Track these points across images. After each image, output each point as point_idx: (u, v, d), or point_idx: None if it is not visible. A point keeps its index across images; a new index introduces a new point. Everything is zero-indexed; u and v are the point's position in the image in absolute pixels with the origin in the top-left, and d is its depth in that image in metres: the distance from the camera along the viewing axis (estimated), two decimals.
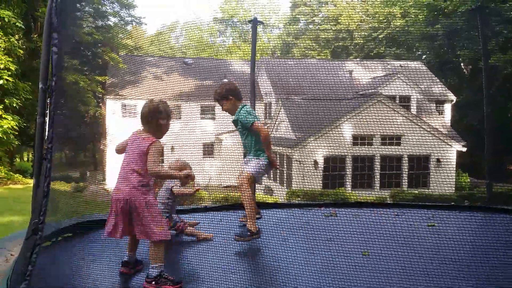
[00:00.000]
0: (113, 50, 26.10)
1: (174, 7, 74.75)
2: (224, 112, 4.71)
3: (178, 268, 3.63)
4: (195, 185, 4.39)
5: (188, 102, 25.40)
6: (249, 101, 6.43)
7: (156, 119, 3.39)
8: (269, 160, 4.14)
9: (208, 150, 26.21)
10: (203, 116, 26.20)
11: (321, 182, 19.65)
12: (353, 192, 18.08)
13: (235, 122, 4.37)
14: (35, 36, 24.18)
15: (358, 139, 20.26)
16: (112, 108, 25.32)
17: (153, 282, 3.10)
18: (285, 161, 20.93)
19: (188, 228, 4.39)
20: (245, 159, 4.30)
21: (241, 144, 4.46)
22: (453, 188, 19.04)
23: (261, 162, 4.17)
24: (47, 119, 3.30)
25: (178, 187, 4.31)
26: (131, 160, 3.32)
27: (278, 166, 4.27)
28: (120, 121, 24.65)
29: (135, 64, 25.95)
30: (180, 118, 25.93)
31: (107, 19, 31.00)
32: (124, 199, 3.20)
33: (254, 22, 6.19)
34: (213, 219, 5.08)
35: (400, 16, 35.00)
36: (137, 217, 3.17)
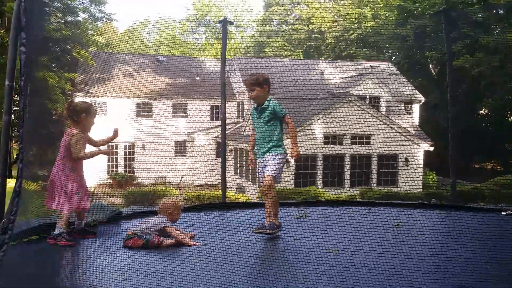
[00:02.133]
0: (82, 46, 25.60)
1: (146, 3, 73.88)
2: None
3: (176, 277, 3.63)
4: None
5: (160, 100, 25.19)
6: (220, 100, 6.45)
7: (75, 116, 4.35)
8: (295, 151, 4.20)
9: (180, 148, 26.05)
10: (175, 114, 26.02)
11: (292, 180, 19.81)
12: (324, 190, 18.29)
13: (262, 109, 4.37)
14: (2, 31, 23.51)
15: (329, 138, 20.51)
16: None
17: (54, 239, 4.05)
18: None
19: (165, 241, 4.26)
20: (262, 158, 4.33)
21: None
22: (420, 186, 19.48)
23: (277, 159, 4.24)
24: (13, 116, 3.25)
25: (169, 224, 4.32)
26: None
27: (299, 156, 4.28)
28: None
29: (105, 61, 25.53)
30: (151, 116, 25.72)
31: (76, 15, 30.36)
32: (50, 179, 4.28)
33: (224, 23, 6.20)
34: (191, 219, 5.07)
35: (371, 17, 35.58)
36: (57, 193, 4.20)
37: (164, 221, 4.32)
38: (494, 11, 28.42)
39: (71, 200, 4.17)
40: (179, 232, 4.29)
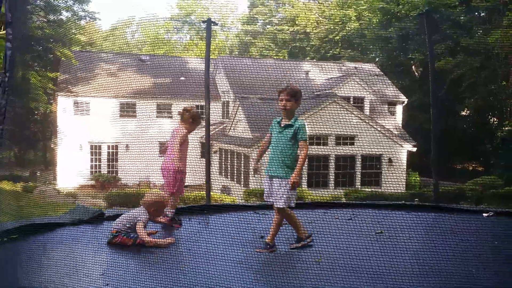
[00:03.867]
0: (65, 45, 25.27)
1: (130, 2, 73.33)
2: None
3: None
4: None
5: (144, 100, 24.99)
6: (204, 100, 6.42)
7: (189, 119, 5.10)
8: (295, 179, 4.09)
9: (165, 149, 25.85)
10: (159, 114, 25.84)
11: None
12: (309, 190, 18.35)
13: (287, 126, 4.25)
14: None
15: (314, 139, 20.57)
16: (63, 106, 24.51)
17: (171, 220, 4.88)
18: (242, 161, 20.99)
19: (149, 240, 4.26)
20: (272, 178, 4.20)
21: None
22: (404, 187, 19.67)
23: (288, 187, 4.12)
24: None
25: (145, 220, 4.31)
26: None
27: (297, 184, 4.17)
28: (72, 119, 23.93)
29: (88, 60, 25.29)
30: (135, 116, 25.50)
31: (59, 13, 29.95)
32: (162, 168, 5.19)
33: (208, 23, 6.16)
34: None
35: (355, 19, 35.82)
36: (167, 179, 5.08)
37: (144, 214, 4.31)
38: (476, 13, 28.87)
39: (175, 186, 4.93)
40: (143, 230, 4.26)
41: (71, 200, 18.36)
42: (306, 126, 4.25)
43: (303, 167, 4.17)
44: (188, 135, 5.14)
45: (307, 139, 4.20)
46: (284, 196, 4.09)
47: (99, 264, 3.63)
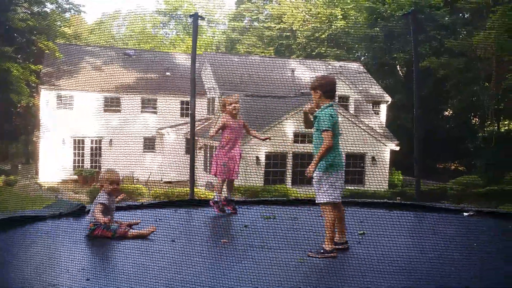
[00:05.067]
0: (49, 38, 24.93)
1: None
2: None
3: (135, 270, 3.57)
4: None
5: (129, 95, 24.78)
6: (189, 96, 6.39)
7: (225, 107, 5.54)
8: (309, 170, 3.88)
9: (149, 144, 25.70)
10: (144, 109, 25.64)
11: (262, 178, 19.86)
12: (293, 188, 18.42)
13: (314, 118, 4.08)
14: None
15: (299, 137, 20.65)
16: (46, 99, 24.17)
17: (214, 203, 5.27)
18: None
19: (130, 231, 4.27)
20: (317, 176, 3.93)
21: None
22: (386, 186, 19.87)
23: (322, 183, 3.89)
24: None
25: (106, 200, 4.30)
26: None
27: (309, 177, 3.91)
28: (55, 113, 23.62)
29: (73, 53, 24.99)
30: (119, 111, 25.28)
31: (43, 6, 29.51)
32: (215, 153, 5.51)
33: (195, 17, 6.14)
34: (152, 216, 5.02)
35: (341, 17, 35.98)
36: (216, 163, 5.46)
37: (102, 196, 4.31)
38: (460, 15, 29.23)
39: (224, 171, 5.29)
40: (99, 212, 4.26)
41: (53, 195, 18.16)
42: (331, 113, 3.96)
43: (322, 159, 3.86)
44: (233, 124, 5.38)
45: (328, 128, 3.89)
46: (318, 191, 3.91)
47: (78, 259, 3.61)
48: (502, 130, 27.09)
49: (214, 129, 5.49)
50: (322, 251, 3.72)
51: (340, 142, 4.08)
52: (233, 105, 5.41)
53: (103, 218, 4.17)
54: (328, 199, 3.84)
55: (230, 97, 5.54)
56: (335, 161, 3.93)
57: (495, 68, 22.87)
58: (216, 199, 5.31)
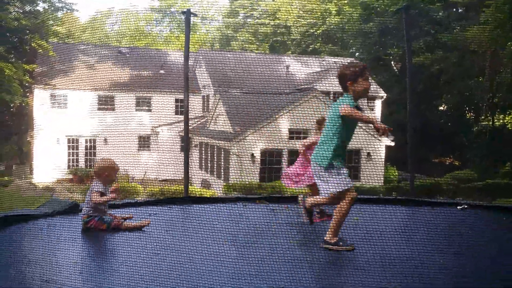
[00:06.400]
0: (42, 37, 24.79)
1: None
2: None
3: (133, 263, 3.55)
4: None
5: (123, 93, 24.70)
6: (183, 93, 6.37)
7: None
8: (375, 126, 3.57)
9: (144, 142, 25.66)
10: (139, 107, 25.58)
11: (258, 175, 19.86)
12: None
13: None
14: None
15: (294, 133, 20.65)
16: (40, 98, 24.08)
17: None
18: (222, 155, 20.95)
19: (124, 223, 4.30)
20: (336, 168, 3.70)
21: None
22: (382, 181, 19.92)
23: (337, 171, 3.66)
24: None
25: (102, 188, 4.26)
26: None
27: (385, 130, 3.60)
28: (49, 112, 23.52)
29: (66, 52, 24.86)
30: (114, 109, 25.20)
31: (35, 4, 29.32)
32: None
33: (187, 14, 6.11)
34: (147, 212, 5.01)
35: (335, 13, 35.98)
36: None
37: (97, 185, 4.29)
38: (454, 9, 29.30)
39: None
40: (98, 197, 4.25)
41: (48, 194, 18.08)
42: (345, 100, 3.73)
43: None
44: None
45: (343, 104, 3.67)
46: (329, 183, 3.70)
47: (72, 255, 3.59)
48: (497, 124, 27.20)
49: (309, 141, 4.97)
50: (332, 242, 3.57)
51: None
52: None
53: (103, 198, 4.19)
54: (346, 187, 3.61)
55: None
56: (340, 154, 3.73)
57: (489, 63, 22.96)
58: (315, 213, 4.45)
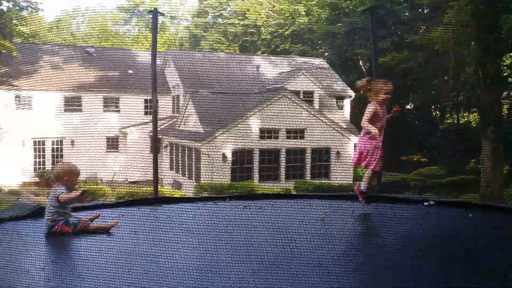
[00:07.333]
0: (5, 37, 24.06)
1: None
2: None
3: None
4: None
5: (90, 94, 24.23)
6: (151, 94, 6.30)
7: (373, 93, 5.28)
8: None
9: (112, 144, 25.24)
10: (106, 108, 25.13)
11: (229, 175, 19.84)
12: (260, 184, 18.49)
13: None
14: None
15: (265, 133, 20.73)
16: (4, 100, 23.37)
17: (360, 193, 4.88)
18: (193, 155, 20.82)
19: (91, 225, 4.19)
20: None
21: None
22: (351, 179, 20.20)
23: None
24: None
25: (65, 192, 4.13)
26: None
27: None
28: (13, 114, 22.87)
29: (31, 52, 24.20)
30: (81, 110, 24.70)
31: None
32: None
33: (154, 13, 6.05)
34: (114, 213, 4.93)
35: (304, 14, 36.28)
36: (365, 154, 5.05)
37: (62, 189, 4.15)
38: (420, 10, 29.96)
39: (373, 161, 4.93)
40: (95, 224, 4.18)
41: (13, 198, 17.56)
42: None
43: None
44: (382, 113, 5.18)
45: None
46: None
47: (37, 259, 3.50)
48: (462, 121, 27.99)
49: (366, 117, 5.15)
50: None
51: None
52: (387, 95, 5.12)
53: (71, 195, 4.05)
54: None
55: (385, 84, 5.19)
56: None
57: (453, 62, 23.54)
58: (363, 189, 4.94)
